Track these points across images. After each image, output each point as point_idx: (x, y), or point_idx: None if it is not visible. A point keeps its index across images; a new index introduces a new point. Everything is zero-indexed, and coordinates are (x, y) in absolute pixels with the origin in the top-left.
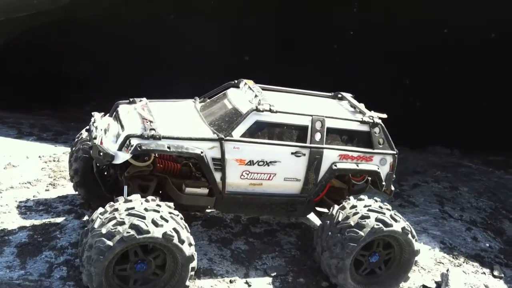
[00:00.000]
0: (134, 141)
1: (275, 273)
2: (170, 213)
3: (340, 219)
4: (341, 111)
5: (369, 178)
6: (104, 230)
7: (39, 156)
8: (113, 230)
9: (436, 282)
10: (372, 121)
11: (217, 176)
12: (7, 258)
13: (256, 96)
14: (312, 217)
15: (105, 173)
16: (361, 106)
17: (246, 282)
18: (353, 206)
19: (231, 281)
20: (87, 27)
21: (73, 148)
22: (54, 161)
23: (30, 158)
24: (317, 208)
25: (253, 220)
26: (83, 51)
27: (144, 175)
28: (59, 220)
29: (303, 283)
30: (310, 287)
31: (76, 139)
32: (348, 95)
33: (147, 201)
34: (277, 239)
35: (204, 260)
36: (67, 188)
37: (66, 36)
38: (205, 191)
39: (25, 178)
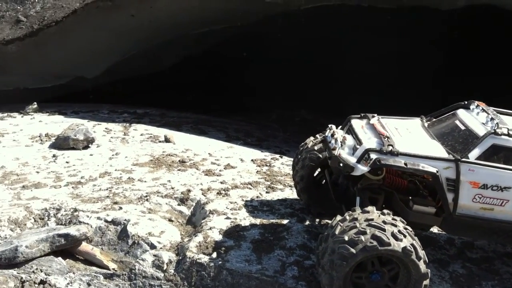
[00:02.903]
0: (373, 155)
1: None
2: (405, 228)
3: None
4: None
5: None
6: (346, 237)
7: (252, 160)
8: (356, 239)
9: None
10: None
11: (449, 196)
12: (245, 252)
13: (492, 119)
14: None
15: (324, 182)
16: None
17: None
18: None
19: None
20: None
21: (299, 156)
22: (266, 165)
23: (245, 161)
24: None
25: (468, 244)
26: (261, 62)
27: (373, 188)
28: (284, 221)
29: None
30: None
31: (301, 148)
32: None
33: (383, 214)
34: (495, 267)
35: None
36: (285, 192)
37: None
38: (432, 210)
39: (245, 179)
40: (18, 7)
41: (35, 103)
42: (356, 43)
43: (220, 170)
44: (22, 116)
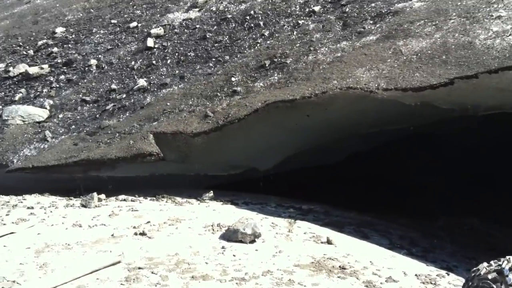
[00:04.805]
0: None
1: None
2: None
3: None
4: None
5: None
6: None
7: (415, 275)
8: None
9: None
10: None
11: None
12: None
13: None
14: None
15: None
16: None
17: None
18: None
19: None
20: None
21: (470, 283)
22: (430, 283)
23: (408, 275)
24: None
25: None
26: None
27: None
28: None
29: None
30: None
31: (473, 274)
32: None
33: None
34: None
35: None
36: None
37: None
38: None
39: None
40: (208, 103)
41: (211, 191)
42: None
43: (381, 283)
44: (198, 203)
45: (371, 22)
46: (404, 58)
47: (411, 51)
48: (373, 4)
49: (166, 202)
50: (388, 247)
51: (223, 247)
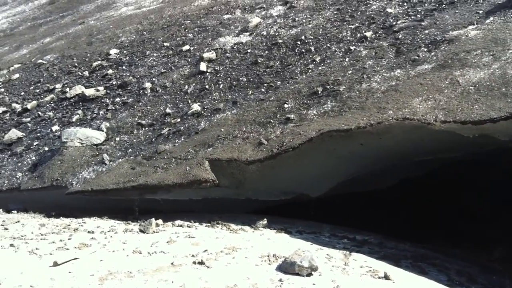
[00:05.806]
0: None
1: None
2: None
3: None
4: None
5: None
6: None
7: None
8: None
9: None
10: None
11: None
12: None
13: None
14: None
15: None
16: None
17: None
18: None
19: None
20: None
21: None
22: None
23: None
24: None
25: None
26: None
27: None
28: None
29: None
30: None
31: None
32: None
33: None
34: None
35: None
36: None
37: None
38: None
39: None
40: (261, 130)
41: (265, 219)
42: None
43: None
44: (253, 231)
45: (425, 50)
46: (462, 89)
47: (468, 82)
48: (426, 31)
49: (221, 229)
50: (447, 284)
51: (280, 280)
